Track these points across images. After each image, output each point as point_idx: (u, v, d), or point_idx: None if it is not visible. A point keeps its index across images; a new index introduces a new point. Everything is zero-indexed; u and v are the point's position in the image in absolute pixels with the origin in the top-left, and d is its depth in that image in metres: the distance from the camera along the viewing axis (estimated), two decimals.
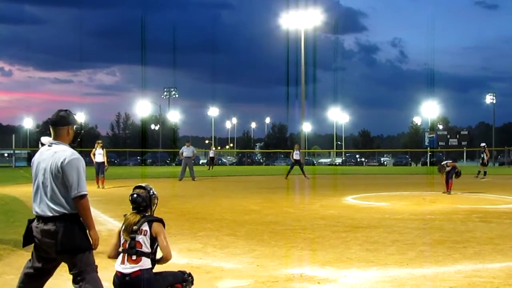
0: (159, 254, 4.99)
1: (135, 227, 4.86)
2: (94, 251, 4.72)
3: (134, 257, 4.80)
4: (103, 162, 23.12)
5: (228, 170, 48.00)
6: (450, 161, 19.88)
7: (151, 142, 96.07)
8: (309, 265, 7.49)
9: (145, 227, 4.87)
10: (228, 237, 9.83)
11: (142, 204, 5.00)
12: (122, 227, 4.96)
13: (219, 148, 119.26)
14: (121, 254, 4.88)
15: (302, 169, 30.24)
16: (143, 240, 4.84)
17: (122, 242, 4.89)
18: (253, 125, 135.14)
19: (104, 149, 23.41)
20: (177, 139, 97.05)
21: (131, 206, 5.06)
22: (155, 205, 5.11)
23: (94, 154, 23.22)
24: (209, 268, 7.25)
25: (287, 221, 12.14)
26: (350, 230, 10.70)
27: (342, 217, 12.69)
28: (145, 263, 4.84)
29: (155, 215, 5.13)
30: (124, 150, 79.16)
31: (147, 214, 5.00)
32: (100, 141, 24.32)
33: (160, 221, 5.00)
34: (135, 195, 5.02)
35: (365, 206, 15.49)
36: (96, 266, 4.69)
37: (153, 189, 5.12)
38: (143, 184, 5.16)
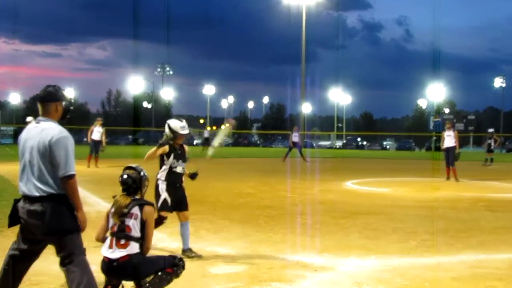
0: None
1: (125, 210, 4.84)
2: (82, 233, 4.70)
3: (122, 241, 4.80)
4: (100, 141, 23.11)
5: (224, 152, 47.92)
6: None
7: (144, 120, 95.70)
8: (306, 251, 7.52)
9: (136, 210, 4.86)
10: (222, 221, 9.87)
11: (133, 185, 4.99)
12: (111, 209, 4.95)
13: (214, 128, 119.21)
14: (109, 238, 4.87)
15: (300, 152, 30.31)
16: (133, 224, 4.83)
17: (111, 225, 4.88)
18: (251, 104, 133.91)
19: (104, 128, 23.48)
20: (171, 118, 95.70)
21: (120, 188, 5.05)
22: (145, 187, 5.09)
23: (92, 131, 23.19)
24: (202, 252, 7.26)
25: (283, 205, 12.20)
26: (349, 216, 10.74)
27: (341, 203, 12.75)
28: (134, 248, 4.84)
29: (145, 197, 5.13)
30: (115, 128, 78.42)
31: (137, 197, 4.99)
32: (100, 119, 24.44)
33: (151, 205, 5.01)
34: (125, 176, 5.01)
35: (366, 192, 15.55)
36: (84, 249, 4.68)
37: (144, 171, 5.10)
38: (134, 165, 5.15)
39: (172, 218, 7.31)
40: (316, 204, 12.36)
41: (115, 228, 4.85)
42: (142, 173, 5.07)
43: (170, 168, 7.07)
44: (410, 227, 9.60)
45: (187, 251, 7.18)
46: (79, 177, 4.83)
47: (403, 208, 12.07)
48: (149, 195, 5.51)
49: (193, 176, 7.41)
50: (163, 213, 7.00)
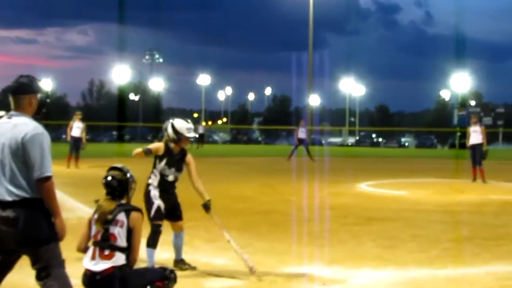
0: None
1: (109, 216, 4.85)
2: (60, 243, 4.66)
3: (106, 252, 4.79)
4: (80, 138, 22.99)
5: (221, 150, 48.03)
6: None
7: (130, 115, 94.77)
8: (313, 263, 7.47)
9: (122, 217, 4.86)
10: (219, 229, 9.80)
11: (118, 188, 5.01)
12: (94, 215, 4.94)
13: (210, 123, 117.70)
14: (92, 248, 4.86)
15: (307, 150, 30.28)
16: (119, 233, 4.83)
17: (93, 233, 4.88)
18: (251, 96, 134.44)
19: (84, 123, 23.37)
20: (161, 112, 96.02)
21: (104, 191, 5.05)
22: (132, 190, 5.10)
23: (71, 128, 23.13)
24: (196, 264, 7.26)
25: (288, 211, 12.17)
26: (363, 222, 10.74)
27: (353, 207, 12.75)
28: (119, 259, 4.83)
29: (132, 202, 5.14)
30: (97, 123, 77.38)
31: (123, 202, 5.00)
32: (79, 113, 24.31)
33: (139, 210, 5.00)
34: (109, 178, 5.01)
35: (381, 195, 15.55)
36: (63, 260, 4.66)
37: (130, 172, 5.11)
38: (119, 165, 5.15)
39: (163, 225, 7.29)
40: (325, 209, 12.31)
41: (98, 237, 4.84)
42: (128, 175, 5.06)
43: (162, 175, 7.00)
44: (431, 235, 9.59)
45: (179, 262, 7.16)
46: (57, 178, 4.80)
47: (423, 213, 12.05)
48: (136, 200, 5.47)
49: (206, 207, 7.28)
50: (156, 222, 6.91)
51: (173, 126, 7.05)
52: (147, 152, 6.95)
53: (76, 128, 23.08)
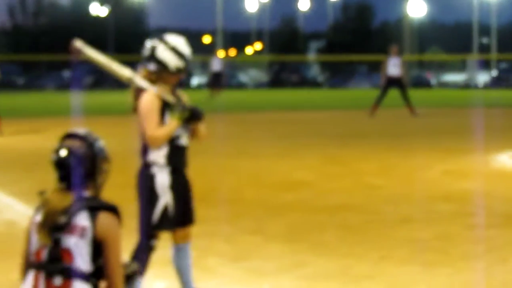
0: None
1: (62, 219, 3.91)
2: None
3: (57, 281, 3.87)
4: None
5: (252, 100, 36.92)
6: None
7: (94, 41, 41.53)
8: None
9: (83, 220, 3.94)
10: (250, 237, 7.50)
11: (78, 170, 4.12)
12: (35, 217, 4.03)
13: (233, 53, 79.52)
14: (32, 274, 3.91)
15: (405, 96, 22.87)
16: (77, 247, 3.91)
17: (34, 249, 3.96)
18: (304, 4, 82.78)
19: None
20: (145, 35, 54.23)
21: (54, 175, 4.06)
22: (103, 173, 4.17)
23: None
24: None
25: (372, 204, 9.25)
26: (505, 223, 7.99)
27: (488, 197, 9.53)
28: None
29: (103, 196, 4.26)
30: (36, 58, 52.18)
31: (87, 195, 4.07)
32: None
33: (113, 210, 4.00)
34: (63, 153, 4.11)
35: None
36: None
37: (99, 141, 4.21)
38: (81, 131, 4.25)
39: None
40: (438, 201, 9.29)
41: (42, 255, 3.93)
42: (96, 146, 4.15)
43: (170, 140, 5.21)
44: None
45: None
46: None
47: None
48: (113, 192, 4.50)
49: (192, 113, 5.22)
50: (154, 233, 5.22)
51: (175, 49, 5.15)
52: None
53: None
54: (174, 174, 5.25)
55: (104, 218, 3.97)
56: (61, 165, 4.06)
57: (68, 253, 3.94)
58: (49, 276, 3.90)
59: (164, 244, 5.44)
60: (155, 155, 5.22)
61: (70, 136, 4.17)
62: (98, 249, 3.96)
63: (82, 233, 3.93)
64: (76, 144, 4.13)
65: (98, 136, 4.17)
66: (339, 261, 6.52)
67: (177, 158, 5.30)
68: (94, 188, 4.12)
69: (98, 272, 3.98)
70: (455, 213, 8.68)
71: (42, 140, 15.68)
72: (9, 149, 15.07)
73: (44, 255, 3.94)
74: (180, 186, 5.34)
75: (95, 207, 4.00)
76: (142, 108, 5.05)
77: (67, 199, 3.98)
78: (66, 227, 3.93)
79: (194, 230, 5.67)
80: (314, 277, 6.07)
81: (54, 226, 3.94)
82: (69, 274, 3.89)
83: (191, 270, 5.42)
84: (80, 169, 4.04)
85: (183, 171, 5.35)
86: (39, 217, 4.00)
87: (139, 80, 5.15)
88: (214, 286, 5.98)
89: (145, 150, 5.23)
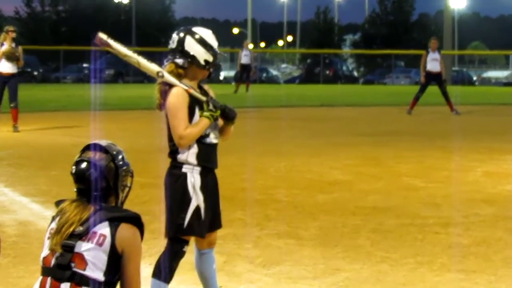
0: None
1: (80, 229, 3.69)
2: None
3: None
4: (14, 75, 15.13)
5: (283, 94, 33.50)
6: None
7: (116, 33, 37.16)
8: None
9: (103, 229, 3.72)
10: (281, 241, 7.29)
11: (98, 184, 3.88)
12: (50, 224, 3.82)
13: (262, 45, 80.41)
14: (39, 281, 3.75)
15: (445, 93, 21.88)
16: (93, 254, 3.68)
17: (44, 254, 3.79)
18: None
19: (20, 47, 15.70)
20: (170, 26, 58.51)
21: (74, 187, 3.85)
22: (126, 188, 3.96)
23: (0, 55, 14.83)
24: None
25: (409, 207, 8.98)
26: None
27: None
28: None
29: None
30: (54, 48, 50.07)
31: (107, 205, 3.84)
32: (12, 29, 15.64)
33: (136, 221, 3.78)
34: (83, 166, 3.88)
35: None
36: None
37: (123, 154, 3.97)
38: (102, 142, 3.99)
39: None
40: (480, 204, 9.05)
41: (51, 261, 3.73)
42: (118, 158, 3.93)
43: (200, 137, 4.98)
44: None
45: None
46: None
47: None
48: (135, 193, 4.28)
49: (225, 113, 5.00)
50: (185, 238, 4.93)
51: (203, 41, 4.89)
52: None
53: (5, 62, 14.99)
54: (205, 174, 5.04)
55: (125, 230, 3.84)
56: (81, 179, 3.90)
57: (81, 258, 3.80)
58: (56, 283, 3.78)
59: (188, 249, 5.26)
60: (186, 154, 5.01)
61: (90, 147, 4.00)
62: (117, 261, 3.81)
63: (100, 241, 3.79)
64: (96, 156, 3.97)
65: (120, 149, 4.01)
66: (374, 267, 6.33)
67: (207, 157, 5.09)
68: (116, 200, 3.96)
69: (112, 282, 3.85)
70: (497, 217, 8.48)
71: (60, 136, 15.34)
72: (24, 144, 14.32)
73: (53, 260, 3.82)
74: (211, 188, 5.13)
75: (116, 218, 3.84)
76: (170, 105, 4.83)
77: (86, 212, 3.82)
78: (84, 234, 3.79)
79: (221, 232, 5.47)
80: (347, 284, 5.90)
81: (68, 233, 3.80)
82: (79, 280, 3.76)
83: (215, 275, 5.26)
84: (100, 183, 3.89)
85: (213, 171, 5.13)
86: (54, 224, 3.87)
87: (167, 75, 4.91)
88: None
89: (173, 149, 5.03)
